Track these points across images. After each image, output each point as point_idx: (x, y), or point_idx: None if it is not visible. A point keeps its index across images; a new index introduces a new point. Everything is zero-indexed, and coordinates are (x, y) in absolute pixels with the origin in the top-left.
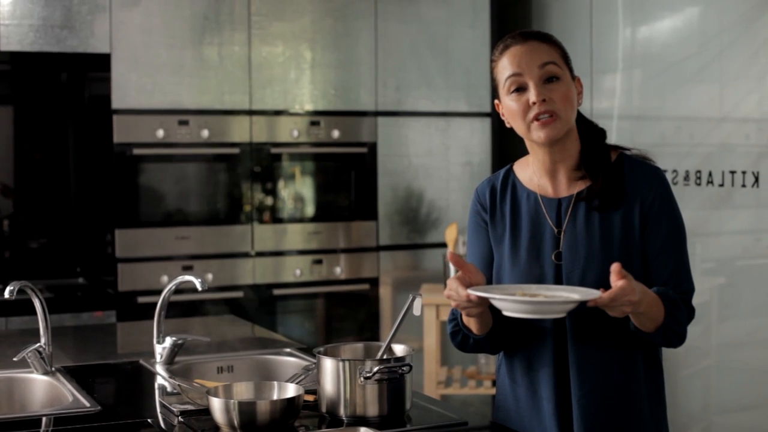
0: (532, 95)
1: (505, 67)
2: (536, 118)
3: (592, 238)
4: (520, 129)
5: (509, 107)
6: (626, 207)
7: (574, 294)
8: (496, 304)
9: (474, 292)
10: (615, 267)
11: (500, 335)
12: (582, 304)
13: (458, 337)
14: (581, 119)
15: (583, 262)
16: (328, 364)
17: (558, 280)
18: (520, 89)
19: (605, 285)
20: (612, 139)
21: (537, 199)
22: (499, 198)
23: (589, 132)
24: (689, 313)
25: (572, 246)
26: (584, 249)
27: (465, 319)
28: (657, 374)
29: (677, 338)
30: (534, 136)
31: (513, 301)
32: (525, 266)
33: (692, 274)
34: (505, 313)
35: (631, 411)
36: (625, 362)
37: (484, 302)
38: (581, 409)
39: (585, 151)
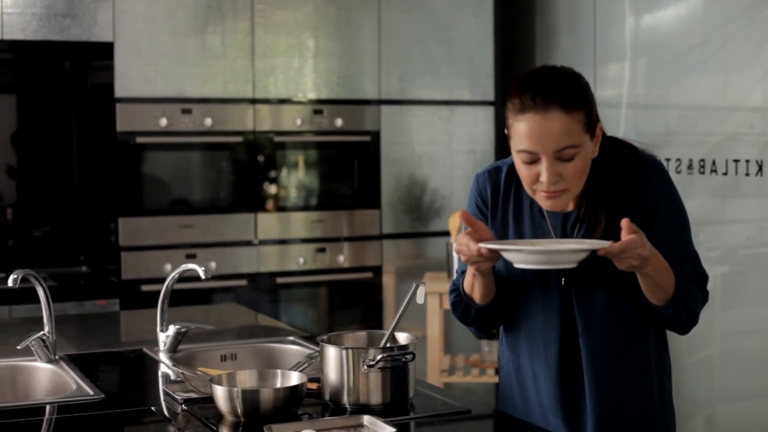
0: (543, 174)
1: (519, 136)
2: (543, 190)
3: (599, 263)
4: (524, 187)
5: (517, 166)
6: (628, 208)
7: (583, 244)
8: (507, 256)
9: (485, 245)
10: (625, 222)
11: (502, 306)
12: (592, 254)
13: (460, 308)
14: (603, 145)
15: (592, 284)
16: (332, 353)
17: (567, 302)
18: (532, 162)
19: (616, 302)
20: (619, 128)
21: (542, 213)
22: (502, 198)
23: (604, 158)
24: (703, 297)
25: (578, 271)
26: (591, 273)
27: (467, 287)
28: (664, 356)
29: (688, 315)
30: (538, 202)
31: (524, 252)
32: (532, 286)
33: None
34: (516, 264)
35: (640, 389)
36: (637, 338)
37: (495, 256)
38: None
39: (592, 180)
